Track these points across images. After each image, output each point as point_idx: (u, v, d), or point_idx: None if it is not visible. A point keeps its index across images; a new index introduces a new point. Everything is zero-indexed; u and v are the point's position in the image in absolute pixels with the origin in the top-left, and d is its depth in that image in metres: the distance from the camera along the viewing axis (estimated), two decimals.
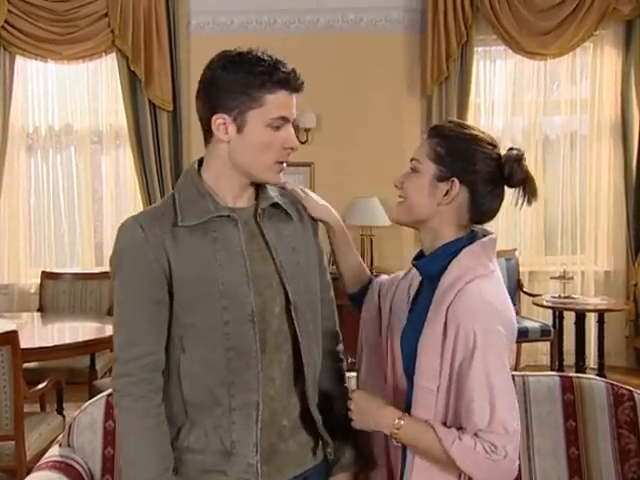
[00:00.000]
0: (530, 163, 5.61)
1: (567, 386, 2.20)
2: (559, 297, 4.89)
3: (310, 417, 1.53)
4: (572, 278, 5.03)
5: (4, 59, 5.16)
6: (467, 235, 1.49)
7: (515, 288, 5.32)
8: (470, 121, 5.41)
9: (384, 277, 1.75)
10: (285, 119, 1.43)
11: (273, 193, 1.54)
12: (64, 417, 3.40)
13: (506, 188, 1.50)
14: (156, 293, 1.40)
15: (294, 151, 1.47)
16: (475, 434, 1.37)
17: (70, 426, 2.06)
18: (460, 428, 1.40)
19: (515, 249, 5.42)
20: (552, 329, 4.99)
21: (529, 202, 1.47)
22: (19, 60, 5.24)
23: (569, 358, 5.02)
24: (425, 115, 5.45)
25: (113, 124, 5.45)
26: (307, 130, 5.30)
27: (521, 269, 5.40)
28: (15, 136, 5.32)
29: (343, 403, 1.58)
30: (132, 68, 5.17)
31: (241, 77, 1.39)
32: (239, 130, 1.41)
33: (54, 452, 2.00)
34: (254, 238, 1.47)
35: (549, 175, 5.65)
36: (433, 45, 5.28)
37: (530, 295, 5.26)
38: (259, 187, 1.52)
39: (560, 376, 2.26)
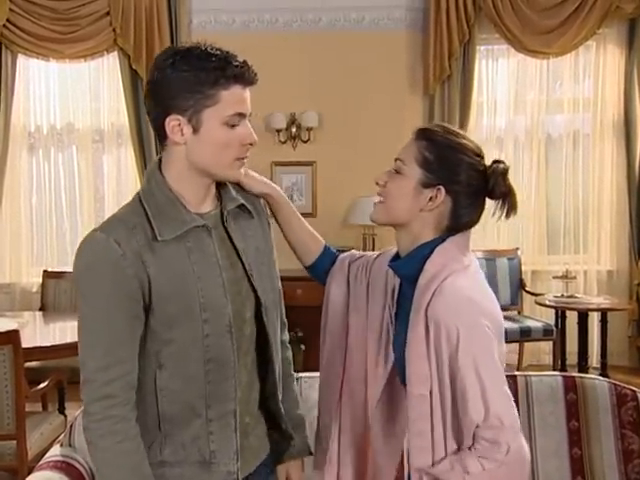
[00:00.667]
0: (532, 162, 5.65)
1: (570, 386, 2.19)
2: (562, 296, 4.87)
3: (265, 410, 1.55)
4: (575, 277, 5.02)
5: (6, 58, 5.15)
6: (442, 235, 1.48)
7: (517, 287, 5.32)
8: (472, 120, 5.43)
9: (354, 254, 1.73)
10: (241, 115, 1.38)
11: (234, 192, 1.52)
12: (66, 416, 3.40)
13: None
14: (135, 309, 1.34)
15: (253, 146, 1.42)
16: (473, 437, 1.38)
17: (71, 426, 2.05)
18: (459, 449, 1.40)
19: (517, 248, 5.42)
20: (555, 328, 4.98)
21: (507, 216, 1.48)
22: (21, 59, 5.24)
23: (572, 357, 5.00)
24: (427, 114, 5.44)
25: (115, 123, 5.44)
26: (309, 129, 5.30)
27: (523, 268, 5.39)
28: (17, 135, 5.32)
29: (291, 391, 1.64)
30: (134, 67, 5.16)
31: (192, 75, 1.33)
32: (195, 131, 1.36)
33: (55, 452, 2.00)
34: (223, 243, 1.45)
35: (551, 174, 5.63)
36: (435, 44, 5.27)
37: (532, 294, 5.25)
38: (220, 187, 1.50)
39: (563, 376, 2.26)
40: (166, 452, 1.40)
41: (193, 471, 1.41)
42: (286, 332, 1.70)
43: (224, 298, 1.40)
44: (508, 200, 1.47)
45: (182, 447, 1.40)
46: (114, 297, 1.32)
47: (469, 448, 1.39)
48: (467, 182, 1.44)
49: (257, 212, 1.57)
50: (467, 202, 1.46)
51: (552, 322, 5.05)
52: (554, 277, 5.10)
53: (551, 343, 5.12)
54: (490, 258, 5.32)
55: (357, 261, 1.69)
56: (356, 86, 5.25)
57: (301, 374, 2.14)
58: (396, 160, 1.49)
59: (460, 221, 1.47)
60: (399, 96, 5.36)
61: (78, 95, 5.42)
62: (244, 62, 1.38)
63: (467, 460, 1.37)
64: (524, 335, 4.95)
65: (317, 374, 1.78)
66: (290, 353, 1.71)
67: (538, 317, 5.22)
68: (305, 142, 5.35)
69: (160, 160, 1.45)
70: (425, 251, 1.45)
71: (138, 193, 1.43)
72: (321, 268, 1.71)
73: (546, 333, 4.96)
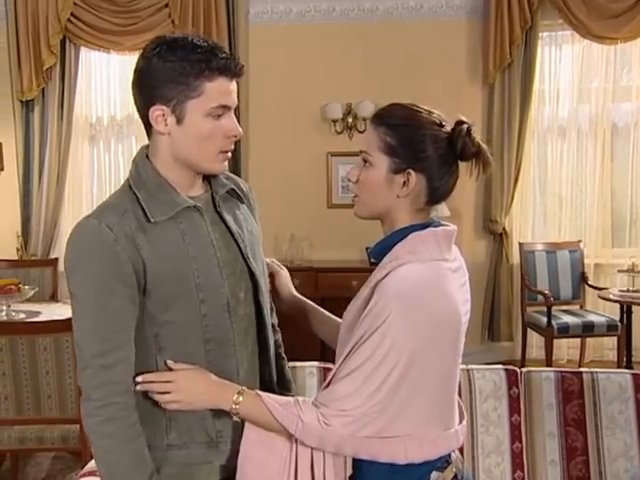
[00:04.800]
0: (597, 152, 5.46)
1: None
2: (627, 291, 4.71)
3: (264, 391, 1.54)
4: None
5: (70, 51, 5.25)
6: (422, 222, 1.45)
7: (579, 281, 5.18)
8: (533, 109, 5.29)
9: None
10: (226, 107, 1.38)
11: (223, 177, 1.53)
12: None
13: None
14: (129, 294, 1.34)
15: (237, 138, 1.42)
16: (314, 402, 1.36)
17: None
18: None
19: (580, 241, 5.27)
20: (619, 324, 4.81)
21: (484, 171, 1.44)
22: (83, 52, 5.34)
23: (637, 354, 4.84)
24: (487, 104, 5.33)
25: None
26: (365, 119, 5.24)
27: (586, 261, 5.24)
28: (79, 127, 5.43)
29: (285, 373, 1.67)
30: None
31: (177, 65, 1.33)
32: (179, 121, 1.36)
33: None
34: (216, 225, 1.46)
35: (617, 164, 5.44)
36: (496, 31, 5.15)
37: (596, 288, 5.09)
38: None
39: (632, 374, 2.18)
40: (172, 435, 1.42)
41: (201, 452, 1.43)
42: (274, 315, 1.70)
43: (219, 277, 1.41)
44: (481, 157, 1.43)
45: (188, 429, 1.42)
46: (109, 282, 1.33)
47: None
48: (435, 155, 1.41)
49: (245, 197, 1.58)
50: (441, 172, 1.42)
51: (617, 317, 4.87)
52: (619, 271, 4.93)
53: (615, 339, 4.95)
54: (551, 251, 5.20)
55: None
56: (414, 76, 5.17)
57: None
58: (361, 152, 1.46)
59: (438, 193, 1.44)
60: (458, 85, 5.26)
61: None
62: (230, 54, 1.38)
63: (305, 408, 1.36)
64: (587, 330, 4.81)
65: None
66: (280, 336, 1.72)
67: (601, 312, 5.07)
68: (361, 132, 5.29)
69: (147, 147, 1.46)
70: (401, 235, 1.43)
71: (127, 180, 1.44)
72: None
73: (610, 328, 4.80)
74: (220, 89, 1.36)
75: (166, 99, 1.35)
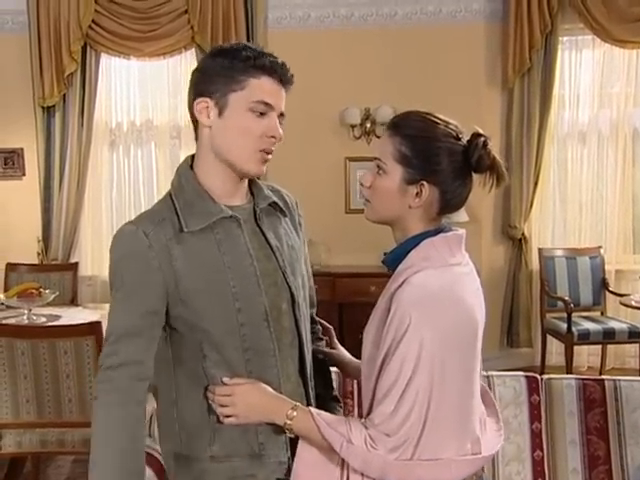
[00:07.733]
0: (617, 157, 5.39)
1: None
2: None
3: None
4: None
5: (90, 58, 5.30)
6: (434, 229, 1.45)
7: (600, 287, 5.12)
8: (553, 114, 5.24)
9: None
10: (269, 106, 1.39)
11: (267, 190, 1.53)
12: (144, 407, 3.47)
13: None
14: (153, 304, 1.37)
15: (277, 141, 1.42)
16: (364, 423, 1.35)
17: (151, 416, 2.08)
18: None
19: (600, 247, 5.21)
20: None
21: (498, 185, 1.43)
22: (104, 58, 5.38)
23: None
24: (506, 108, 5.31)
25: None
26: (383, 124, 5.23)
27: (607, 267, 5.18)
28: (99, 132, 5.48)
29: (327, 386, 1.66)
30: None
31: (226, 62, 1.38)
32: (220, 113, 1.39)
33: None
34: (255, 236, 1.46)
35: (638, 169, 5.40)
36: (515, 35, 5.13)
37: (617, 295, 5.03)
38: (253, 185, 1.51)
39: None
40: (215, 447, 1.42)
41: (244, 465, 1.43)
42: (315, 323, 1.70)
43: (257, 286, 1.41)
44: (495, 170, 1.42)
45: (231, 441, 1.42)
46: (134, 288, 1.36)
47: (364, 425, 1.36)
48: (449, 168, 1.40)
49: (289, 210, 1.58)
50: (454, 185, 1.41)
51: (638, 324, 4.81)
52: None
53: (637, 346, 4.90)
54: (571, 257, 5.15)
55: None
56: (432, 80, 5.16)
57: None
58: (375, 159, 1.45)
59: (450, 204, 1.44)
60: (477, 90, 5.24)
61: (157, 92, 5.53)
62: (282, 63, 1.41)
63: (354, 431, 1.34)
64: (607, 337, 4.75)
65: None
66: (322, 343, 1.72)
67: (623, 318, 5.01)
68: (378, 137, 5.29)
69: (192, 158, 1.48)
70: (415, 242, 1.43)
71: (169, 189, 1.47)
72: None
73: (632, 335, 4.75)
74: (264, 87, 1.38)
75: (211, 92, 1.39)
